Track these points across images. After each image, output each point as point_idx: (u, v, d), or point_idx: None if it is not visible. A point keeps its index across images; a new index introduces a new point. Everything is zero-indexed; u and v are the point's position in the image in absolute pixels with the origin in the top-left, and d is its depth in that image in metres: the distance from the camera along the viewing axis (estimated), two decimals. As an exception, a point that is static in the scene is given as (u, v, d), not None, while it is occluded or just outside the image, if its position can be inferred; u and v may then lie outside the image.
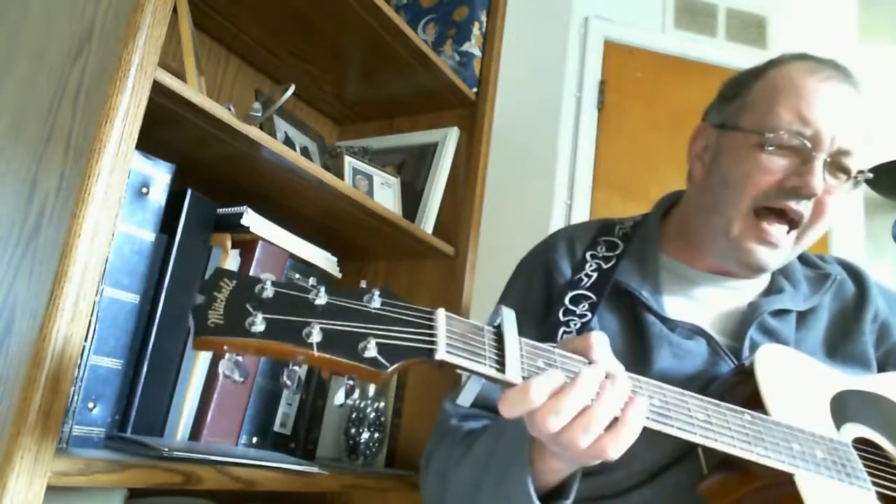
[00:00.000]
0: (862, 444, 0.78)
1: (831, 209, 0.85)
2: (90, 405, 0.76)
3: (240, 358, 0.51)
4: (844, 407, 0.79)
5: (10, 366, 0.67)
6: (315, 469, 0.92)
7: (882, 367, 0.93)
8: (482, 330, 0.59)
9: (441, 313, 0.57)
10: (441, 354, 0.54)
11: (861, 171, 0.86)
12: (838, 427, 0.77)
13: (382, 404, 1.27)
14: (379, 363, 0.51)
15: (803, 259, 1.02)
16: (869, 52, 2.42)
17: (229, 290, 0.51)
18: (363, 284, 0.57)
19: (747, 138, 0.86)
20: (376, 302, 0.55)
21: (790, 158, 0.84)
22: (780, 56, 0.92)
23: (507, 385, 0.57)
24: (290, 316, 0.51)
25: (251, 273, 0.98)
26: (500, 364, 0.57)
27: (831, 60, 0.90)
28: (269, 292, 0.52)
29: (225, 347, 0.50)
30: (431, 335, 0.55)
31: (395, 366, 0.52)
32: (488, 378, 0.57)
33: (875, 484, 0.73)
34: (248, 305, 0.50)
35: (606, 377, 0.60)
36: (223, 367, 0.51)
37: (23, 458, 0.62)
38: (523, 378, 0.57)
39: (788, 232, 0.85)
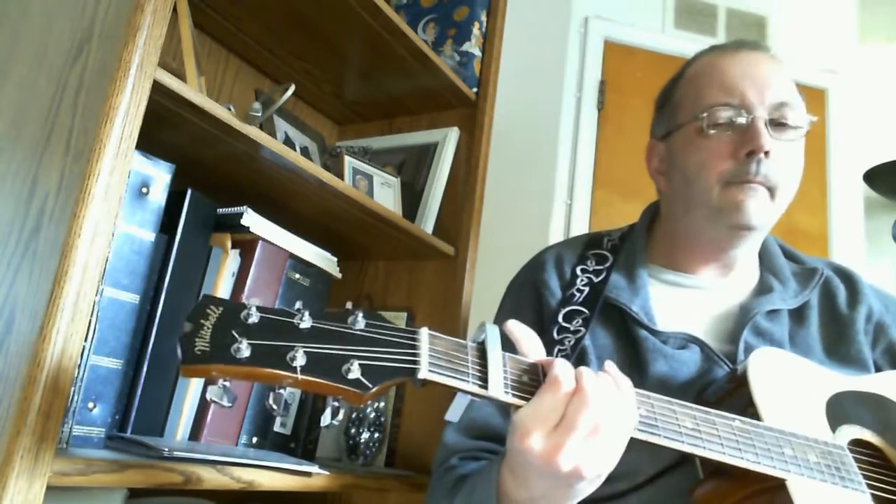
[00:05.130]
0: (859, 446, 0.77)
1: (792, 160, 0.88)
2: (90, 405, 0.76)
3: (227, 384, 0.52)
4: (841, 408, 0.79)
5: (10, 366, 0.67)
6: (315, 469, 0.92)
7: (880, 368, 0.92)
8: (466, 347, 0.59)
9: (424, 332, 0.57)
10: (423, 374, 0.55)
11: (805, 120, 0.88)
12: (834, 429, 0.77)
13: (382, 404, 1.27)
14: (362, 384, 0.52)
15: (789, 256, 1.02)
16: (869, 52, 2.42)
17: (216, 316, 0.52)
18: (348, 306, 0.58)
19: (688, 131, 0.90)
20: (360, 323, 0.55)
21: (733, 132, 0.86)
22: (694, 55, 0.96)
23: (493, 401, 0.58)
24: (274, 341, 0.52)
25: (251, 273, 0.99)
26: (483, 380, 0.57)
27: (740, 39, 0.95)
28: (254, 318, 0.52)
29: (213, 374, 0.51)
30: (414, 354, 0.56)
31: (378, 387, 0.53)
32: (472, 394, 0.58)
33: (870, 486, 0.72)
34: (233, 332, 0.51)
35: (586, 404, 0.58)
36: (211, 393, 0.52)
37: (23, 458, 0.62)
38: (506, 393, 0.58)
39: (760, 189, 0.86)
